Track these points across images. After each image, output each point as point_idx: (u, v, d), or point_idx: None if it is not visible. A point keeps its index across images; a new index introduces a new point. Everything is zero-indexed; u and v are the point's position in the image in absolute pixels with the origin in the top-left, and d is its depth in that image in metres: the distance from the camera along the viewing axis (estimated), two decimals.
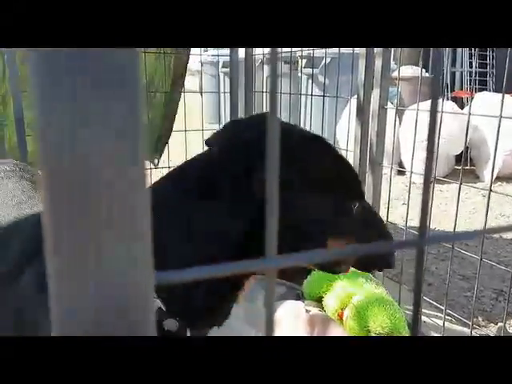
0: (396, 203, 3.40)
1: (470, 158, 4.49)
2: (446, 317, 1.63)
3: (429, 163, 0.36)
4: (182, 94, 2.66)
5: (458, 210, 1.48)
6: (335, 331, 1.41)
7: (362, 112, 1.75)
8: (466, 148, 4.24)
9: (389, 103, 4.07)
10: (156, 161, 2.68)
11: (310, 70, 4.39)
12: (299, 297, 1.79)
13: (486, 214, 1.33)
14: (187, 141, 2.48)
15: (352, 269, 1.78)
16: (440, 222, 3.13)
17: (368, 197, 1.80)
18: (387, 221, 1.77)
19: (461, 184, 1.45)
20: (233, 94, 2.49)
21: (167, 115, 2.66)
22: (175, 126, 2.72)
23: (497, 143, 1.42)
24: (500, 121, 1.37)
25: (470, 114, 1.53)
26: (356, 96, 1.80)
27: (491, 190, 1.37)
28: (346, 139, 1.93)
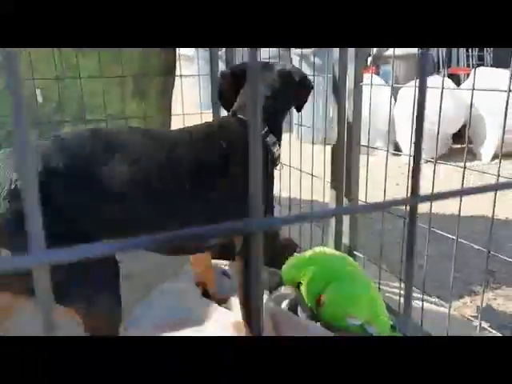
0: (388, 184, 3.34)
1: (468, 136, 4.40)
2: (435, 300, 1.59)
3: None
4: (179, 78, 2.63)
5: (433, 186, 1.43)
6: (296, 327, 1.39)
7: (337, 90, 1.69)
8: (464, 126, 4.16)
9: (382, 81, 3.96)
10: None
11: (300, 51, 4.30)
12: (280, 283, 1.76)
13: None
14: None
15: (332, 252, 1.75)
16: (435, 203, 3.07)
17: (346, 177, 1.75)
18: (365, 200, 1.73)
19: (435, 163, 1.39)
20: (213, 79, 2.45)
21: (160, 108, 2.62)
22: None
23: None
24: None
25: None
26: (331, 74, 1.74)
27: (465, 167, 1.32)
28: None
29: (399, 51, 4.33)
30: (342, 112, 1.70)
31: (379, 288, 1.67)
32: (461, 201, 1.37)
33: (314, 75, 2.01)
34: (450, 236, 1.41)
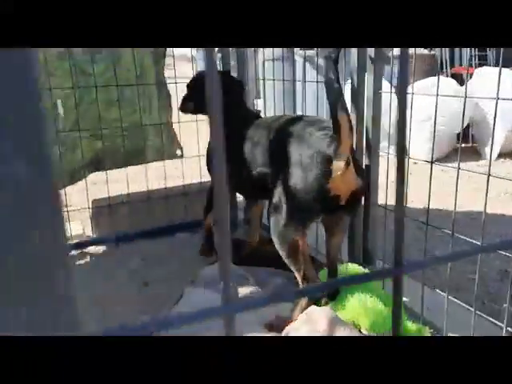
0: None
1: (472, 136, 4.42)
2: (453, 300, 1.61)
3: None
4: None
5: (456, 196, 1.45)
6: (340, 329, 1.39)
7: (356, 97, 1.70)
8: (467, 125, 4.19)
9: (387, 84, 4.00)
10: (179, 152, 2.69)
11: (305, 52, 4.31)
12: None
13: (485, 206, 1.29)
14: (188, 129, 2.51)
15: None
16: (443, 201, 3.09)
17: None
18: (386, 205, 1.74)
19: (459, 169, 1.41)
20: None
21: (160, 106, 2.64)
22: (183, 118, 2.73)
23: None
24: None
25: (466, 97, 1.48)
26: (349, 81, 1.75)
27: (490, 175, 1.33)
28: None
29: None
30: (361, 119, 1.72)
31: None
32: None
33: (317, 81, 2.02)
34: (468, 239, 1.43)
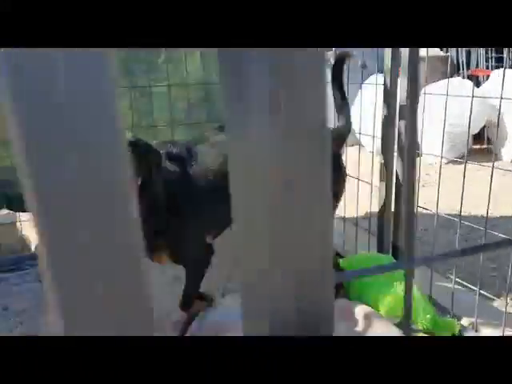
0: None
1: (488, 137, 4.46)
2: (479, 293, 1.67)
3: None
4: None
5: (490, 194, 1.50)
6: (379, 325, 1.45)
7: (389, 99, 1.77)
8: (483, 127, 4.23)
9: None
10: None
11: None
12: None
13: None
14: None
15: (371, 255, 1.80)
16: (463, 203, 3.14)
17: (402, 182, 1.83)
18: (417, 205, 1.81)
19: (493, 168, 1.47)
20: None
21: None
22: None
23: None
24: None
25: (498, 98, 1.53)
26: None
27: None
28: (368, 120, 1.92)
29: (420, 52, 4.38)
30: (393, 120, 1.78)
31: (430, 288, 1.74)
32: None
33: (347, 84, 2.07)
34: (503, 235, 1.48)
